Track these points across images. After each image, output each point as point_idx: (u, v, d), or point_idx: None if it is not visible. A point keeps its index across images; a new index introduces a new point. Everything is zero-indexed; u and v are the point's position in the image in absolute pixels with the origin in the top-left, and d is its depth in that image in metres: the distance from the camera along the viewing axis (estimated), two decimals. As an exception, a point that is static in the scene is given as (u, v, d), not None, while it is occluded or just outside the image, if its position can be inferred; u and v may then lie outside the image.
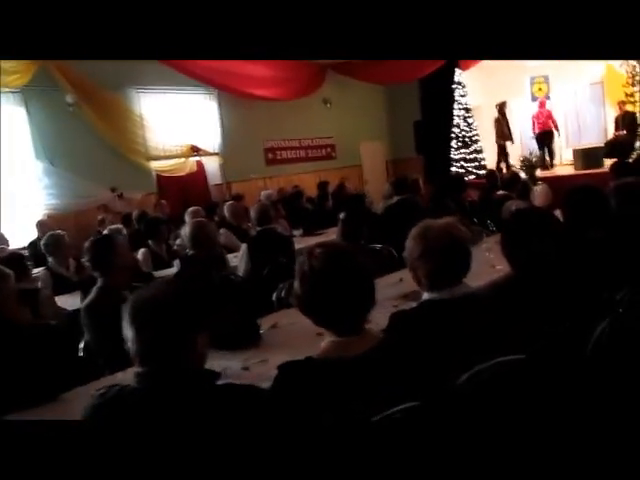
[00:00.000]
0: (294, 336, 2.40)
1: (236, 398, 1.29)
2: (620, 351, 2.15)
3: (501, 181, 4.85)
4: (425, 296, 1.90)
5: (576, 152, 10.99)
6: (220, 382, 1.43)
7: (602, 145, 11.12)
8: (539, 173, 10.33)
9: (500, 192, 4.83)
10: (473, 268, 3.32)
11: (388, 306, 2.76)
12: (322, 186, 7.99)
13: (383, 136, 13.38)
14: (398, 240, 4.63)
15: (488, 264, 3.38)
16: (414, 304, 2.17)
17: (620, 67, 12.30)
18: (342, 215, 3.64)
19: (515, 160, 11.10)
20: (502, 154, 11.68)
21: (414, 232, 1.89)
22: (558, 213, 4.42)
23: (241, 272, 4.13)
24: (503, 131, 11.60)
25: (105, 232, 5.43)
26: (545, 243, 2.14)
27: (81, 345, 2.92)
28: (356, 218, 3.69)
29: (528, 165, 10.11)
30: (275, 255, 4.12)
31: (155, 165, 9.15)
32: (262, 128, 10.74)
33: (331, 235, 5.70)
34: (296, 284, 1.53)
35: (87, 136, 8.20)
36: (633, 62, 12.00)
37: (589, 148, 10.98)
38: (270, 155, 11.04)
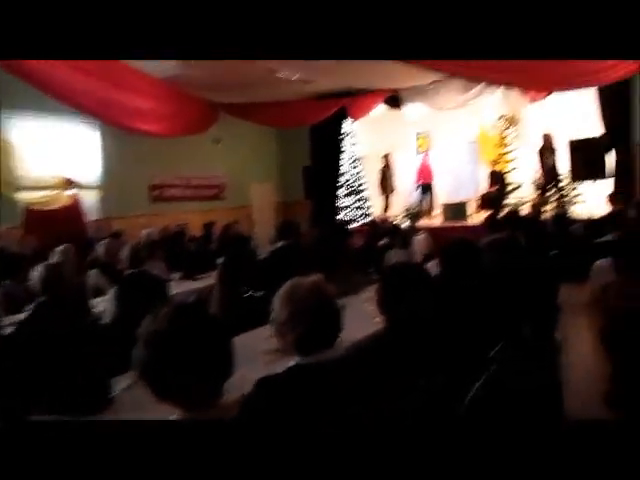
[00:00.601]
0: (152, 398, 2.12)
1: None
2: (494, 407, 2.13)
3: (383, 230, 4.93)
4: (293, 361, 1.75)
5: (444, 206, 11.70)
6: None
7: (467, 200, 11.98)
8: (421, 223, 10.81)
9: (382, 241, 4.90)
10: (352, 320, 3.24)
11: (262, 362, 2.58)
12: (207, 227, 7.71)
13: (274, 178, 13.42)
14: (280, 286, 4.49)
15: (368, 316, 3.32)
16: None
17: (491, 130, 13.45)
18: (221, 259, 3.44)
19: (398, 210, 11.58)
20: (387, 203, 12.14)
21: (280, 294, 1.75)
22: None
23: (107, 319, 3.74)
24: (387, 181, 12.10)
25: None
26: (420, 298, 2.10)
27: None
28: (236, 263, 3.50)
29: (410, 215, 10.55)
30: (146, 301, 3.80)
31: (22, 196, 8.37)
32: (148, 163, 10.32)
33: (212, 279, 5.44)
34: (137, 349, 1.32)
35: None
36: (503, 126, 13.20)
37: (455, 203, 11.75)
38: (156, 192, 10.60)
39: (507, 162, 12.79)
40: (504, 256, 2.66)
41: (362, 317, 3.32)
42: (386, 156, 12.34)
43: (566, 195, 10.33)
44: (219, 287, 3.41)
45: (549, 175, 10.09)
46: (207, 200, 11.65)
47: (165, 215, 10.55)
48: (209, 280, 5.42)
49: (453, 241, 2.48)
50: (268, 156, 13.30)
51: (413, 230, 9.60)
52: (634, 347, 3.36)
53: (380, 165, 12.25)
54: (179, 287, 5.08)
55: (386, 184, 12.08)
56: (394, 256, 4.38)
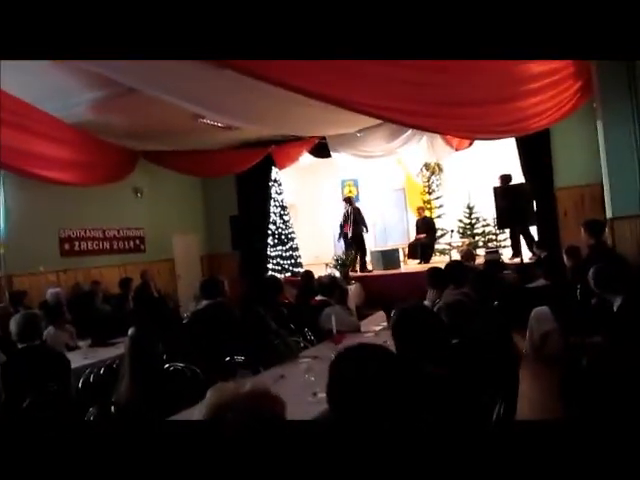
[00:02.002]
0: None
1: None
2: None
3: (319, 285, 4.55)
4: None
5: (373, 254, 11.29)
6: None
7: (398, 247, 11.80)
8: (351, 273, 10.51)
9: (318, 297, 4.50)
10: (291, 396, 2.76)
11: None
12: (124, 283, 6.98)
13: (198, 229, 12.80)
14: (206, 354, 3.95)
15: (308, 390, 2.87)
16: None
17: (417, 177, 13.65)
18: (131, 331, 2.89)
19: (329, 259, 11.24)
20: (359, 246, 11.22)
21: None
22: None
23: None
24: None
25: None
26: (375, 385, 1.67)
27: None
28: (149, 333, 2.97)
29: (341, 264, 10.27)
30: (41, 380, 3.17)
31: None
32: (58, 214, 9.47)
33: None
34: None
35: None
36: (427, 174, 13.43)
37: (386, 250, 11.46)
38: (67, 245, 9.70)
39: (433, 209, 12.96)
40: (462, 317, 2.33)
41: (303, 391, 2.86)
42: (349, 199, 11.72)
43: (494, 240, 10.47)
44: (129, 362, 2.85)
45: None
46: (125, 253, 10.85)
47: (77, 270, 9.68)
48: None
49: (406, 313, 2.05)
50: (192, 206, 12.71)
51: (346, 279, 9.32)
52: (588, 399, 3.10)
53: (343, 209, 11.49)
54: (89, 356, 4.40)
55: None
56: (332, 314, 3.99)
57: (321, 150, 11.04)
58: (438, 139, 9.79)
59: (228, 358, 3.55)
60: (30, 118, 6.67)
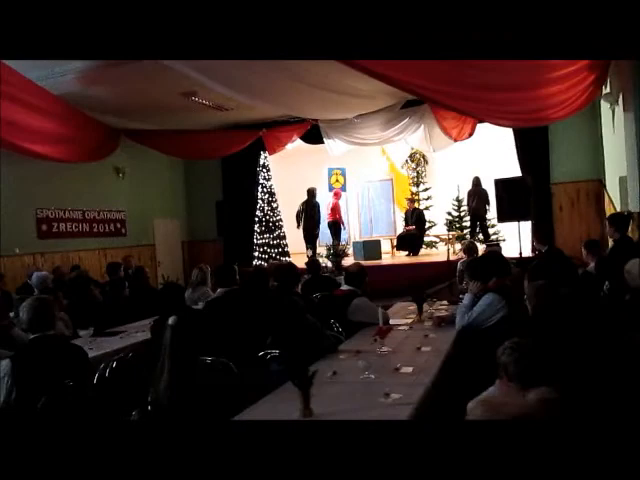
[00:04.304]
0: None
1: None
2: None
3: (346, 274, 4.23)
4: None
5: (355, 244, 11.14)
6: None
7: (378, 239, 11.60)
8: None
9: (345, 287, 4.19)
10: (358, 396, 2.44)
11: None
12: (113, 269, 6.46)
13: (180, 214, 12.28)
14: (232, 343, 3.58)
15: (374, 389, 2.55)
16: None
17: (402, 169, 13.43)
18: (172, 320, 2.52)
19: (320, 249, 10.93)
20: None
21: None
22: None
23: (-2, 404, 2.66)
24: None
25: None
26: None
27: None
28: (191, 323, 2.61)
29: (333, 254, 9.96)
30: (56, 375, 2.77)
31: None
32: (35, 193, 8.84)
33: (134, 334, 4.41)
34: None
35: None
36: (412, 165, 13.24)
37: (369, 241, 11.28)
38: (44, 226, 9.09)
39: (421, 200, 12.76)
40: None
41: (368, 392, 2.54)
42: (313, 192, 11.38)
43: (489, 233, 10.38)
44: (170, 356, 2.48)
45: (475, 215, 10.09)
46: (105, 236, 10.27)
47: (55, 253, 9.10)
48: (130, 336, 4.38)
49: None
50: (176, 190, 12.18)
51: (339, 269, 9.01)
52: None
53: (297, 200, 11.36)
54: (96, 347, 3.95)
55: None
56: (373, 306, 3.70)
57: (312, 136, 10.68)
58: (436, 129, 9.54)
59: (262, 353, 3.21)
60: (14, 85, 6.12)
